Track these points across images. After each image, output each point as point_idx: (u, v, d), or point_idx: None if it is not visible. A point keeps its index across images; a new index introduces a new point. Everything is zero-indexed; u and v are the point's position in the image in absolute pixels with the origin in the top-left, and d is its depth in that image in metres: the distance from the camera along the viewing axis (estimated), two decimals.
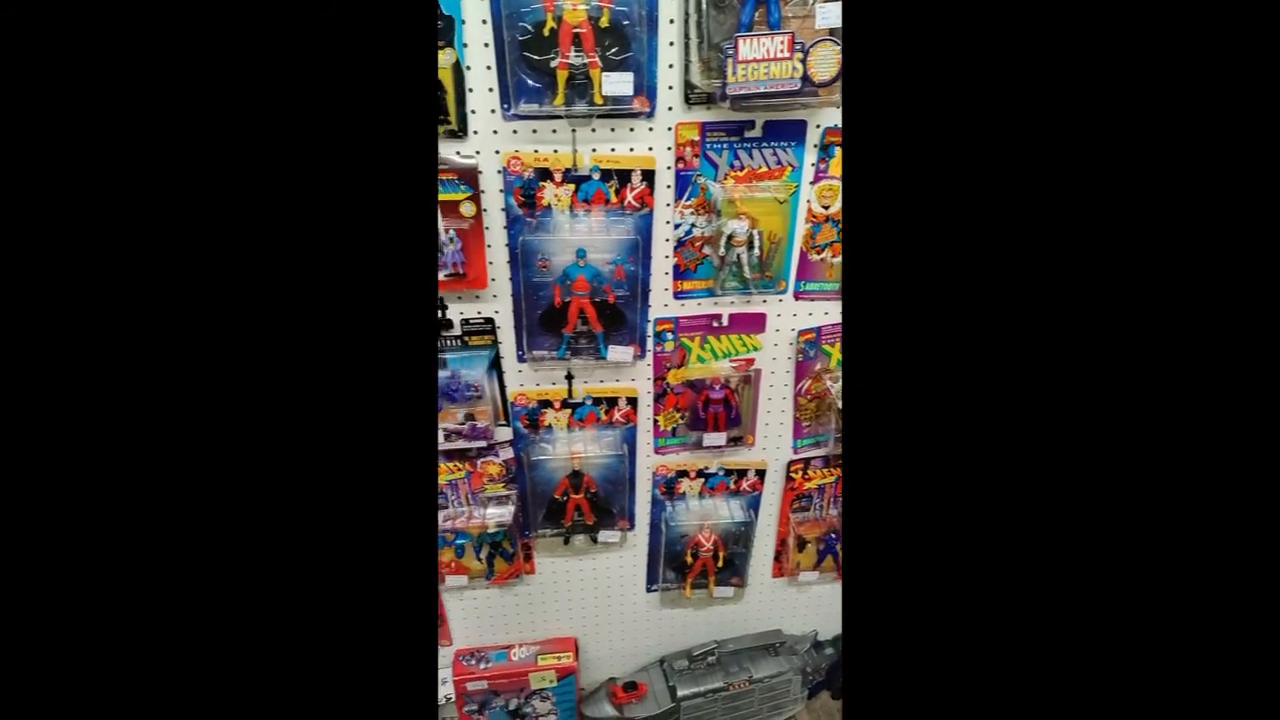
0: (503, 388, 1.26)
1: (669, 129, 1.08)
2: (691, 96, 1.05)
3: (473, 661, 1.54)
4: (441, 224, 1.07)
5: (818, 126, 1.11)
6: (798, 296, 1.26)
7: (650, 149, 1.09)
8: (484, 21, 0.97)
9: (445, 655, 1.57)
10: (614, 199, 1.11)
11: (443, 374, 1.21)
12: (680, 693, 1.52)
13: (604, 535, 1.42)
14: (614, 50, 0.98)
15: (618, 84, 0.99)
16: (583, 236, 1.12)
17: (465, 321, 1.18)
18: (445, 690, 1.54)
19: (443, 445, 1.25)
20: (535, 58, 0.97)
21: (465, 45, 0.98)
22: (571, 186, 1.09)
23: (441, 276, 1.10)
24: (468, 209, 1.07)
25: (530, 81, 0.99)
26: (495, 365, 1.23)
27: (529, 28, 0.95)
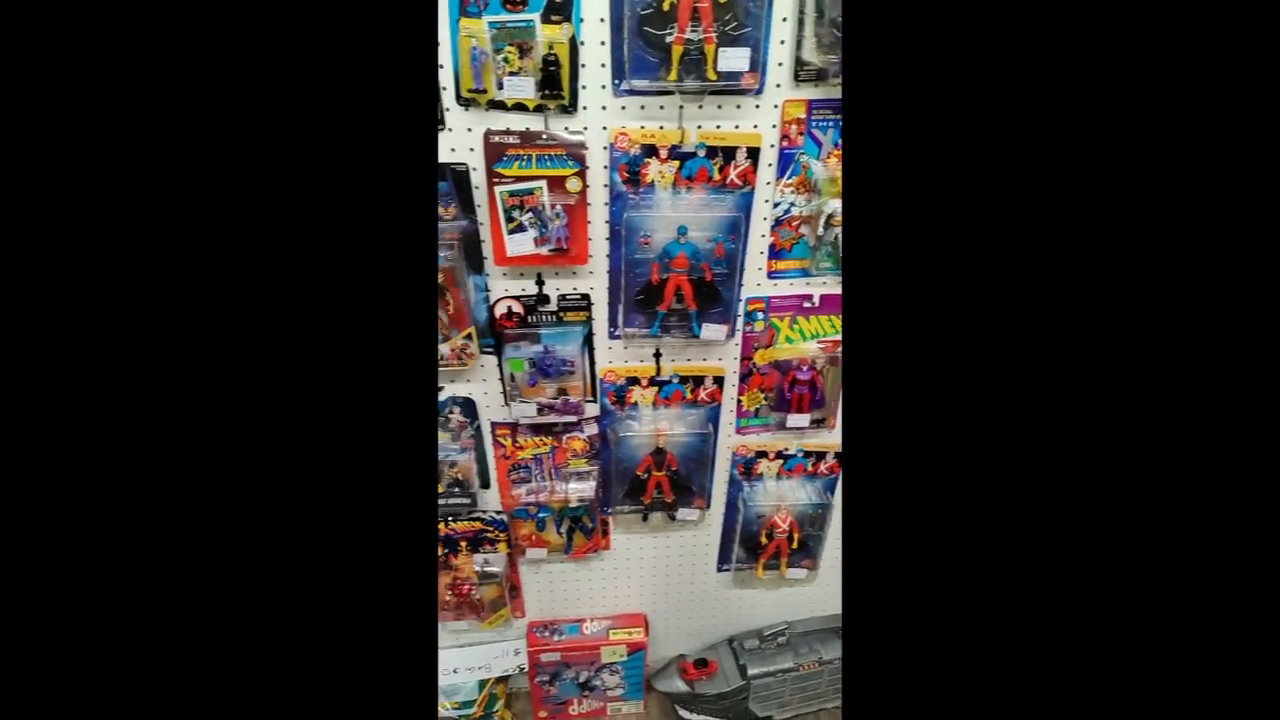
0: (592, 364, 1.28)
1: (775, 106, 1.07)
2: (801, 73, 1.05)
3: (546, 633, 1.57)
4: (548, 199, 1.08)
5: None
6: None
7: (755, 126, 1.09)
8: None
9: (519, 627, 1.60)
10: (717, 176, 1.11)
11: (536, 349, 1.23)
12: (750, 671, 1.54)
13: (682, 513, 1.43)
14: (731, 25, 0.98)
15: (733, 59, 0.98)
16: (684, 213, 1.12)
17: (562, 297, 1.20)
18: (519, 660, 1.58)
19: (534, 419, 1.27)
20: (652, 32, 0.97)
21: (582, 20, 0.99)
22: (676, 163, 1.09)
23: (544, 251, 1.11)
24: (574, 184, 1.08)
25: (647, 56, 0.99)
26: (587, 341, 1.25)
27: (650, 2, 0.96)
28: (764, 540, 1.49)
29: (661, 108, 1.06)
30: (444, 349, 1.18)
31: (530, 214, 1.09)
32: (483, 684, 1.58)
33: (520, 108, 1.04)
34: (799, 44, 1.02)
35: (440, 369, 1.22)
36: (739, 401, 1.35)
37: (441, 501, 1.37)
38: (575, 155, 1.06)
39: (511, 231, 1.10)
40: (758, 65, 1.02)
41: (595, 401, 1.31)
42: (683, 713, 1.58)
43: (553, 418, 1.27)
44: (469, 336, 1.18)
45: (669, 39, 0.98)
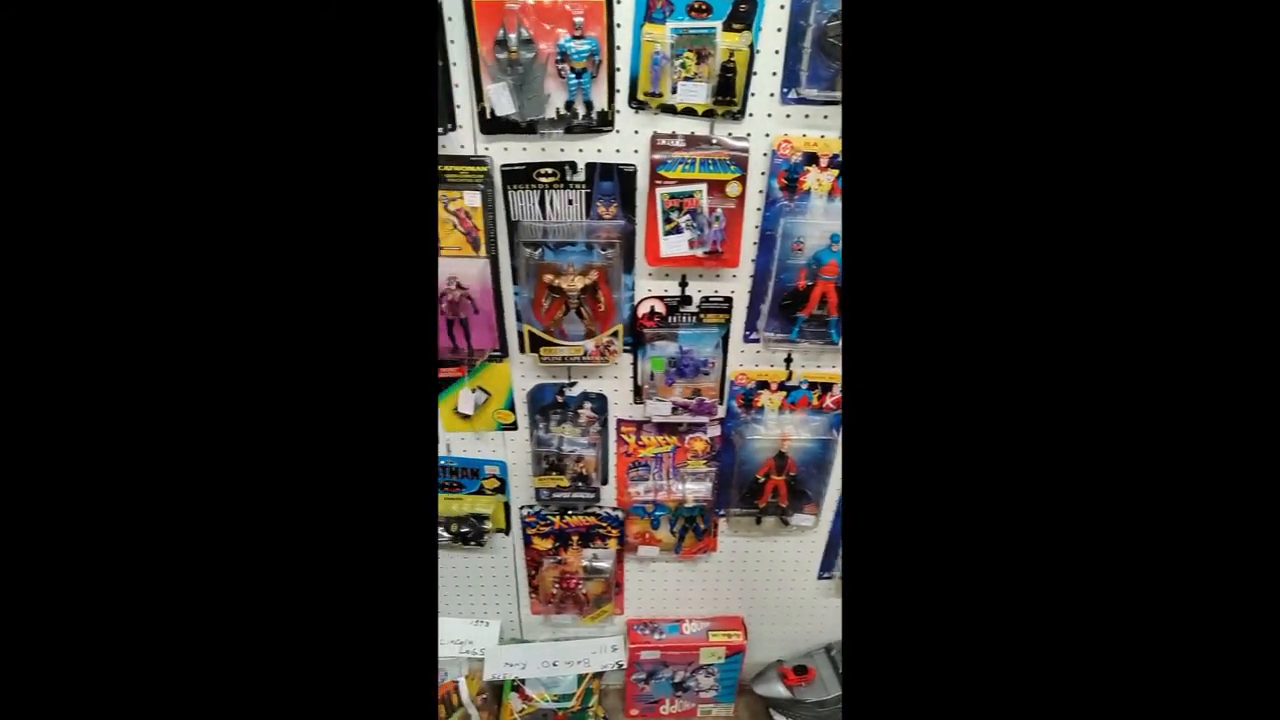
0: (724, 366, 1.29)
1: None
2: None
3: (646, 631, 1.58)
4: (707, 202, 1.11)
5: None
6: None
7: None
8: (782, 7, 1.00)
9: (617, 623, 1.62)
10: None
11: (673, 348, 1.25)
12: None
13: (796, 519, 1.44)
14: None
15: None
16: (836, 222, 1.14)
17: (705, 299, 1.22)
18: (617, 656, 1.59)
19: (666, 418, 1.29)
20: (835, 43, 0.99)
21: (760, 30, 1.01)
22: (834, 172, 1.11)
23: (699, 253, 1.13)
24: (734, 189, 1.10)
25: (823, 67, 1.01)
26: (722, 343, 1.26)
27: (837, 14, 0.98)
28: None
29: (825, 117, 1.08)
30: (588, 345, 1.21)
31: (688, 216, 1.11)
32: (580, 678, 1.60)
33: (689, 112, 1.06)
34: None
35: (579, 364, 1.25)
36: None
37: (565, 495, 1.39)
38: (738, 160, 1.08)
39: (668, 233, 1.13)
40: None
41: (722, 403, 1.33)
42: (778, 718, 1.58)
43: (685, 417, 1.28)
44: (614, 334, 1.21)
45: None
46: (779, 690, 1.56)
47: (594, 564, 1.51)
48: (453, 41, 1.01)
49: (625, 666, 1.58)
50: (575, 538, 1.48)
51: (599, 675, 1.63)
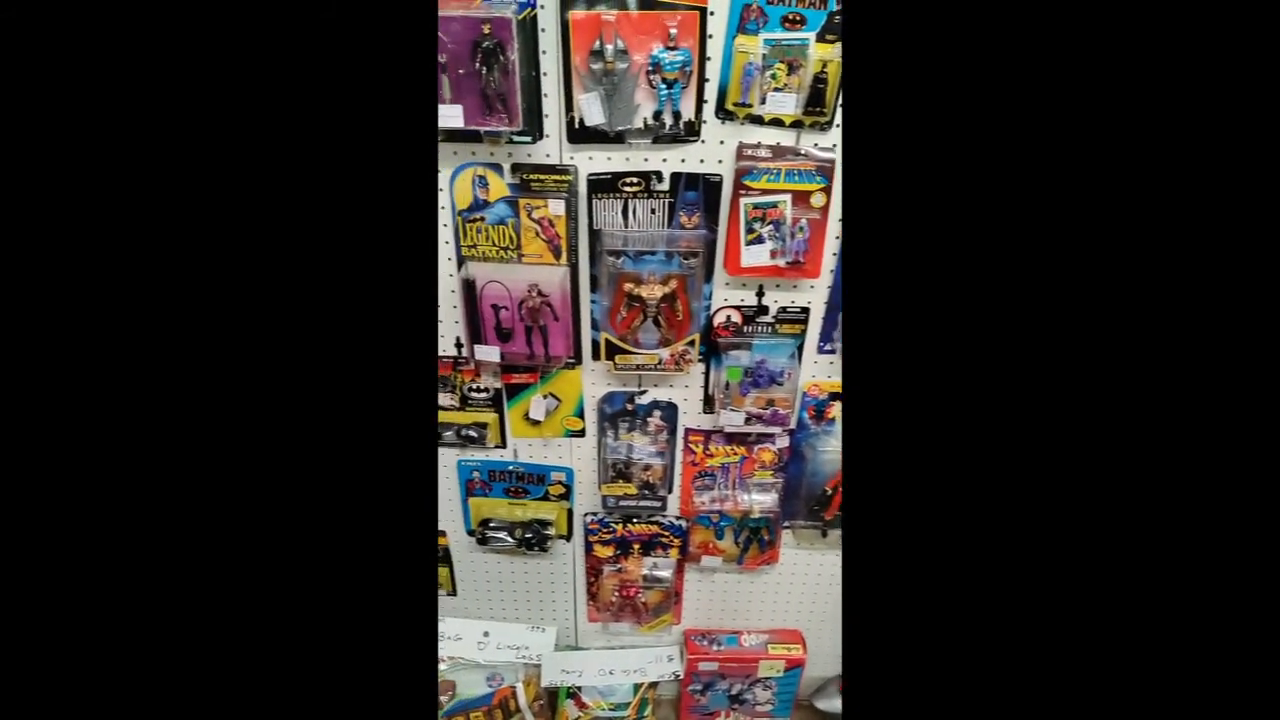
0: (798, 376, 1.28)
1: None
2: None
3: (705, 642, 1.57)
4: (790, 212, 1.10)
5: None
6: None
7: None
8: None
9: (673, 633, 1.61)
10: None
11: (749, 358, 1.24)
12: None
13: None
14: None
15: None
16: None
17: (781, 310, 1.21)
18: (673, 666, 1.58)
19: (739, 428, 1.28)
20: None
21: None
22: None
23: (781, 264, 1.13)
24: (818, 200, 1.10)
25: None
26: (796, 354, 1.26)
27: None
28: None
29: None
30: (663, 353, 1.21)
31: (771, 226, 1.11)
32: (636, 688, 1.59)
33: (777, 123, 1.06)
34: None
35: (651, 373, 1.25)
36: None
37: (631, 503, 1.39)
38: (824, 171, 1.08)
39: (750, 243, 1.12)
40: None
41: (794, 414, 1.32)
42: None
43: (759, 427, 1.28)
44: (690, 343, 1.21)
45: None
46: (838, 705, 1.54)
47: (654, 573, 1.51)
48: (544, 52, 1.02)
49: (682, 677, 1.57)
50: (636, 546, 1.48)
51: (654, 685, 1.62)
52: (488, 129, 1.02)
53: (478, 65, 0.97)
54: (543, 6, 0.99)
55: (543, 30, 1.01)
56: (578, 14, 0.98)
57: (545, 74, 1.04)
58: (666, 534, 1.45)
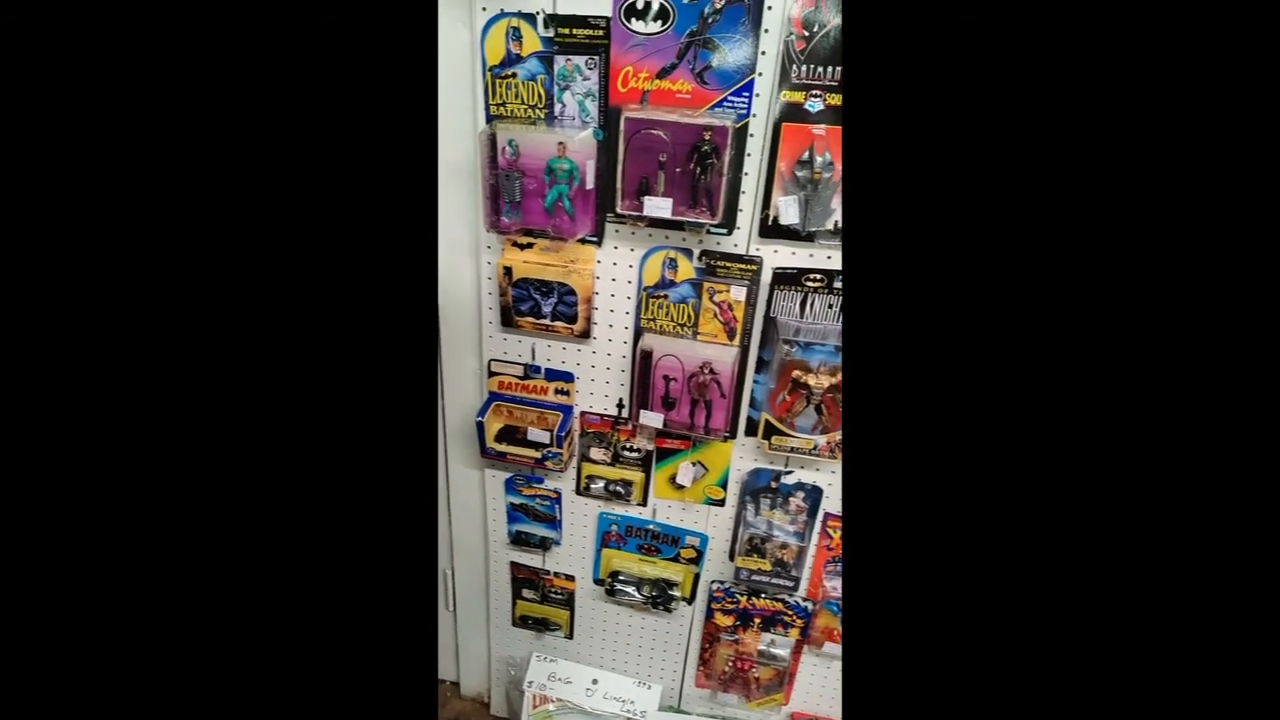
0: None
1: None
2: None
3: None
4: None
5: None
6: None
7: None
8: None
9: (783, 714, 1.60)
10: None
11: None
12: None
13: None
14: None
15: None
16: None
17: None
18: None
19: None
20: None
21: None
22: None
23: None
24: None
25: None
26: None
27: None
28: None
29: None
30: (819, 439, 1.24)
31: None
32: None
33: None
34: None
35: (802, 456, 1.28)
36: None
37: (764, 579, 1.41)
38: None
39: None
40: None
41: None
42: None
43: None
44: None
45: None
46: None
47: (771, 649, 1.51)
48: (749, 155, 1.11)
49: None
50: (758, 620, 1.49)
51: None
52: (689, 220, 1.11)
53: (692, 165, 1.07)
54: (755, 115, 1.08)
55: (751, 135, 1.09)
56: (790, 125, 1.06)
57: (746, 174, 1.12)
58: (790, 613, 1.46)
